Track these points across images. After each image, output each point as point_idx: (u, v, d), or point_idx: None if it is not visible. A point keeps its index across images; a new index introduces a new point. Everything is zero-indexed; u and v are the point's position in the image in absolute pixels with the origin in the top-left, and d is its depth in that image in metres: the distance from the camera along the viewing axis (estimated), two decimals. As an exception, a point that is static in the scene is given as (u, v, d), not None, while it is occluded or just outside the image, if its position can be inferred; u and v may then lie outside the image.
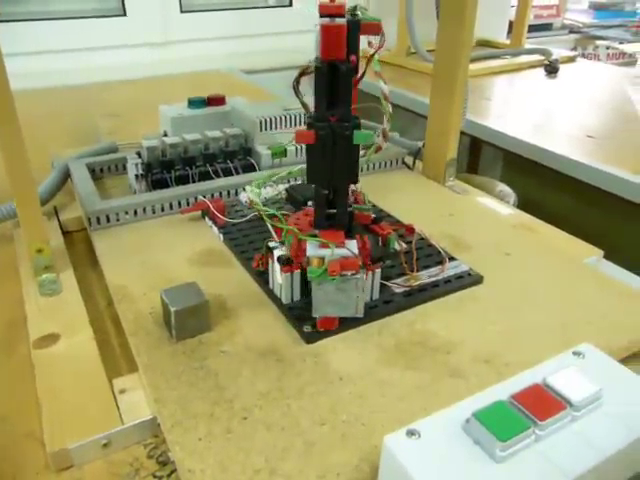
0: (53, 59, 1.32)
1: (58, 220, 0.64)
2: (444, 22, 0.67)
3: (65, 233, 0.64)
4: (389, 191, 0.69)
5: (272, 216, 0.45)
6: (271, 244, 0.47)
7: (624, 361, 0.45)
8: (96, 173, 0.71)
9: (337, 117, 0.32)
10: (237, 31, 1.52)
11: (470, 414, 0.32)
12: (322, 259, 0.34)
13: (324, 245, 0.34)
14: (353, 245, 0.35)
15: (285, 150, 0.70)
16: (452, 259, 0.54)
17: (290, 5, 1.58)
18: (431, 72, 0.72)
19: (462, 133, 1.18)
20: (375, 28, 0.38)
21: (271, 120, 0.68)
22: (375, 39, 0.40)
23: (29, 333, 0.46)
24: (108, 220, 0.59)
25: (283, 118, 0.69)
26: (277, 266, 0.46)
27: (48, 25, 1.31)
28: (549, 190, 1.16)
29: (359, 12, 0.42)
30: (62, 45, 1.32)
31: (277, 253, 0.46)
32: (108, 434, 0.37)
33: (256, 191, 0.51)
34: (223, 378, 0.40)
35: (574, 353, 0.39)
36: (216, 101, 0.78)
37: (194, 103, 0.77)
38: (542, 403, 0.33)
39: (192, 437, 0.35)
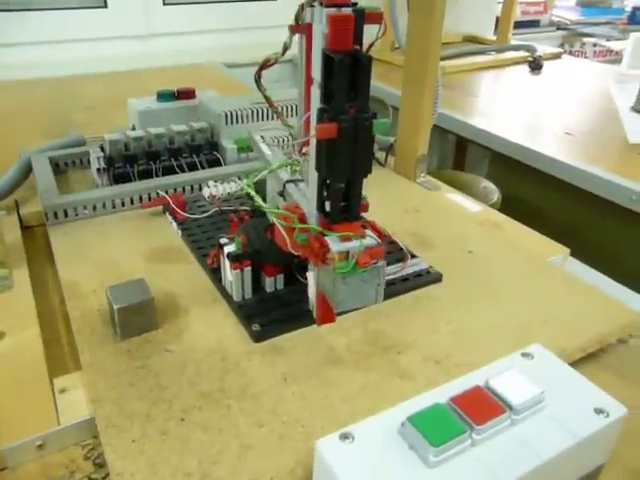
0: (32, 51, 1.30)
1: (18, 214, 0.63)
2: (413, 15, 0.66)
3: (26, 227, 0.63)
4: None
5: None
6: (222, 240, 0.46)
7: (580, 362, 0.44)
8: (60, 167, 0.70)
9: (356, 109, 0.32)
10: (221, 24, 1.51)
11: (405, 418, 0.31)
12: (347, 253, 0.33)
13: (345, 239, 0.33)
14: (371, 234, 0.34)
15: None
16: (413, 256, 0.53)
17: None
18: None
19: (448, 131, 1.18)
20: (378, 17, 0.38)
21: (237, 114, 0.67)
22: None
23: (-27, 330, 0.45)
24: (66, 215, 0.58)
25: (250, 112, 0.68)
26: (227, 263, 0.45)
27: (28, 16, 1.29)
28: (534, 187, 1.16)
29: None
30: (42, 37, 1.31)
31: (227, 249, 0.45)
32: (43, 435, 0.36)
33: (251, 186, 0.48)
34: (165, 378, 0.39)
35: (523, 354, 0.38)
36: (186, 94, 0.76)
37: (163, 96, 0.75)
38: (481, 406, 0.32)
39: (126, 439, 0.34)
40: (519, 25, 1.77)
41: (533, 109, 1.15)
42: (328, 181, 0.35)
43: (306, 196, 0.40)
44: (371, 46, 0.40)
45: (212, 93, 0.79)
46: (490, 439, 0.31)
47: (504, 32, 1.55)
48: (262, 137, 0.49)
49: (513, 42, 1.55)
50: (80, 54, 1.34)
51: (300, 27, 0.46)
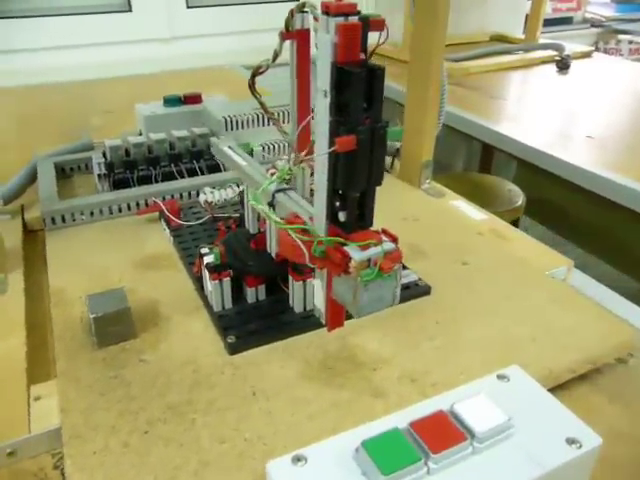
0: (58, 55, 1.33)
1: (23, 219, 0.64)
2: (418, 18, 0.64)
3: (30, 232, 0.64)
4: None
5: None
6: (203, 250, 0.46)
7: (571, 383, 0.42)
8: (66, 172, 0.71)
9: (371, 119, 0.32)
10: (244, 26, 1.51)
11: (359, 443, 0.30)
12: (368, 260, 0.33)
13: (364, 247, 0.33)
14: (386, 238, 0.35)
15: (252, 150, 0.69)
16: (403, 268, 0.51)
17: (297, 0, 1.56)
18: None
19: (472, 138, 1.14)
20: (380, 24, 0.38)
21: (237, 119, 0.67)
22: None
23: (-38, 334, 0.46)
24: (64, 220, 0.59)
25: (251, 117, 0.68)
26: (207, 273, 0.45)
27: (53, 21, 1.33)
28: (561, 191, 1.10)
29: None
30: (67, 41, 1.34)
31: (207, 259, 0.45)
32: (13, 442, 0.37)
33: (258, 200, 0.46)
34: (135, 388, 0.39)
35: (498, 376, 0.36)
36: (192, 99, 0.77)
37: (169, 101, 0.76)
38: (441, 433, 0.31)
39: (87, 450, 0.34)
40: (551, 23, 1.71)
41: (558, 112, 1.11)
42: (341, 191, 0.34)
43: (302, 205, 0.40)
44: (372, 53, 0.39)
45: (219, 98, 0.79)
46: (448, 468, 0.30)
47: (533, 30, 1.51)
48: (231, 147, 0.48)
49: (542, 41, 1.51)
50: (105, 58, 1.37)
51: (290, 34, 0.46)
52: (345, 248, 0.34)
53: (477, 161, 1.78)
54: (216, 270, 0.44)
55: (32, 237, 0.63)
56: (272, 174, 0.44)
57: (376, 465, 0.29)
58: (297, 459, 0.30)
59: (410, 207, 0.65)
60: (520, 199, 1.39)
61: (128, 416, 0.37)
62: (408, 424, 0.31)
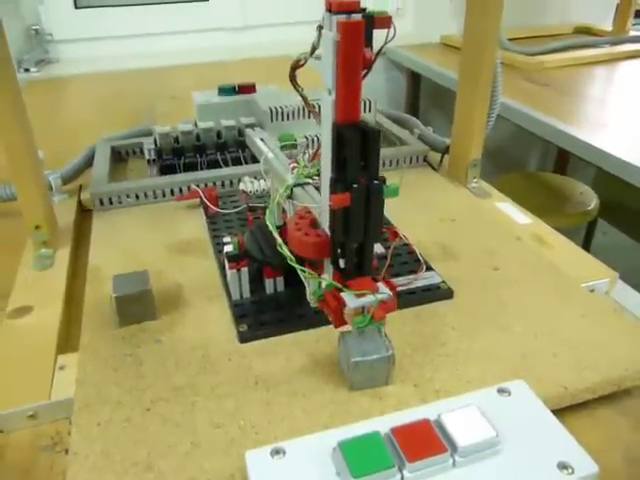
0: (137, 43, 1.40)
1: (79, 198, 0.68)
2: (470, 9, 0.62)
3: (85, 211, 0.68)
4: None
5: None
6: (225, 239, 0.47)
7: (592, 403, 0.40)
8: (122, 155, 0.75)
9: (367, 176, 0.34)
10: (315, 16, 1.51)
11: (337, 442, 0.30)
12: (362, 308, 0.36)
13: (360, 295, 0.36)
14: (383, 287, 0.37)
15: (295, 142, 0.69)
16: (429, 269, 0.50)
17: (372, -11, 1.54)
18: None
19: (548, 142, 1.06)
20: (386, 22, 0.38)
21: (282, 111, 0.68)
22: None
23: (9, 304, 0.50)
24: (111, 202, 0.62)
25: (296, 109, 0.68)
26: (226, 262, 0.46)
27: (131, 11, 1.39)
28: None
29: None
30: (146, 29, 1.40)
31: (226, 248, 0.46)
32: (34, 406, 0.40)
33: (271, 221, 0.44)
34: (146, 367, 0.41)
35: (499, 390, 0.35)
36: (246, 89, 0.78)
37: (224, 90, 0.78)
38: (422, 442, 0.30)
39: (93, 421, 0.37)
40: (646, 14, 1.58)
41: None
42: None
43: (316, 200, 0.41)
44: (379, 52, 0.39)
45: (272, 88, 0.80)
46: (424, 479, 0.29)
47: (623, 22, 1.41)
48: (262, 139, 0.49)
49: (634, 34, 1.40)
50: (180, 46, 1.43)
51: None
52: (341, 294, 0.36)
53: (552, 161, 1.69)
54: (234, 259, 0.45)
55: (86, 216, 0.67)
56: (293, 168, 0.45)
57: (348, 466, 0.29)
58: (276, 452, 0.31)
59: (450, 207, 0.63)
60: (593, 203, 1.32)
61: (135, 393, 0.39)
62: (389, 429, 0.31)
